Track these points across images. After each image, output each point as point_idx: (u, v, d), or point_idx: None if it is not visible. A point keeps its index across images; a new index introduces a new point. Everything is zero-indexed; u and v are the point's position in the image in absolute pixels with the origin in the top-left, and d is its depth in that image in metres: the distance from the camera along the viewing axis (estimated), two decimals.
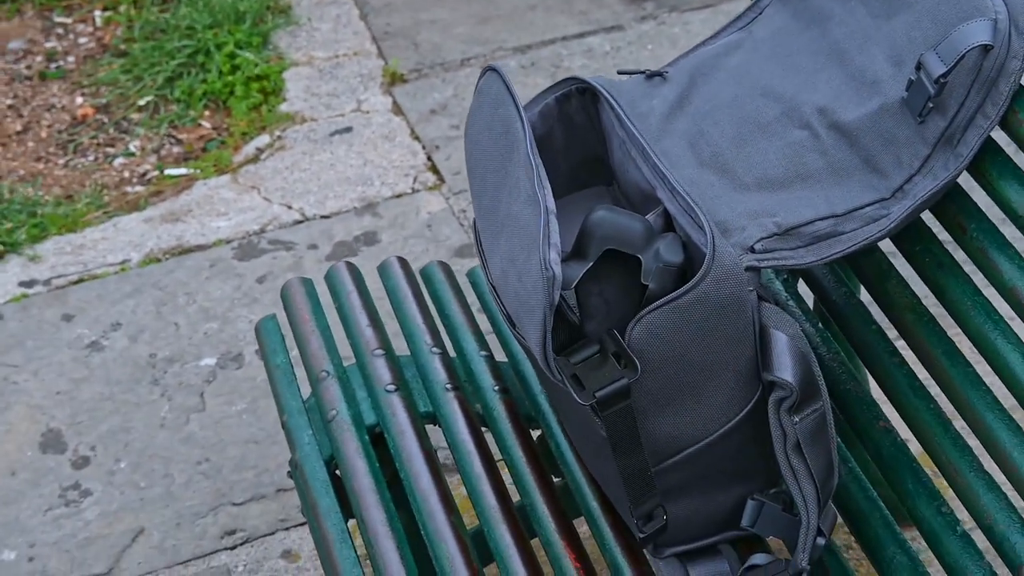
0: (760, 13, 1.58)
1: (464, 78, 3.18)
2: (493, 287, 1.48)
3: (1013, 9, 1.32)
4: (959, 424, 1.40)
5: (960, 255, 1.42)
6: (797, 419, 1.34)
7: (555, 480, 1.57)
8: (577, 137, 1.57)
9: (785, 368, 1.33)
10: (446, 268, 1.87)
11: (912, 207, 1.36)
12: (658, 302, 1.29)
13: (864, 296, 1.60)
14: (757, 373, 1.35)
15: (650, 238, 1.36)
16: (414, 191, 2.84)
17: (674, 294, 1.29)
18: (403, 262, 1.86)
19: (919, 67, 1.34)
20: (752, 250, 1.37)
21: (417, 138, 3.00)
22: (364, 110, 3.11)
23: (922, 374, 1.44)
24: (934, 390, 1.44)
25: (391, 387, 1.66)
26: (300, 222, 2.79)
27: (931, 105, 1.33)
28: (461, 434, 1.60)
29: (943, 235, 1.44)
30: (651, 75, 1.59)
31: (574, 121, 1.57)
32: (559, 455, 1.58)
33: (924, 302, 1.45)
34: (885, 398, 1.48)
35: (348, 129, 3.05)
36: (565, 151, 1.56)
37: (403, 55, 3.28)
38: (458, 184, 2.84)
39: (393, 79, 3.20)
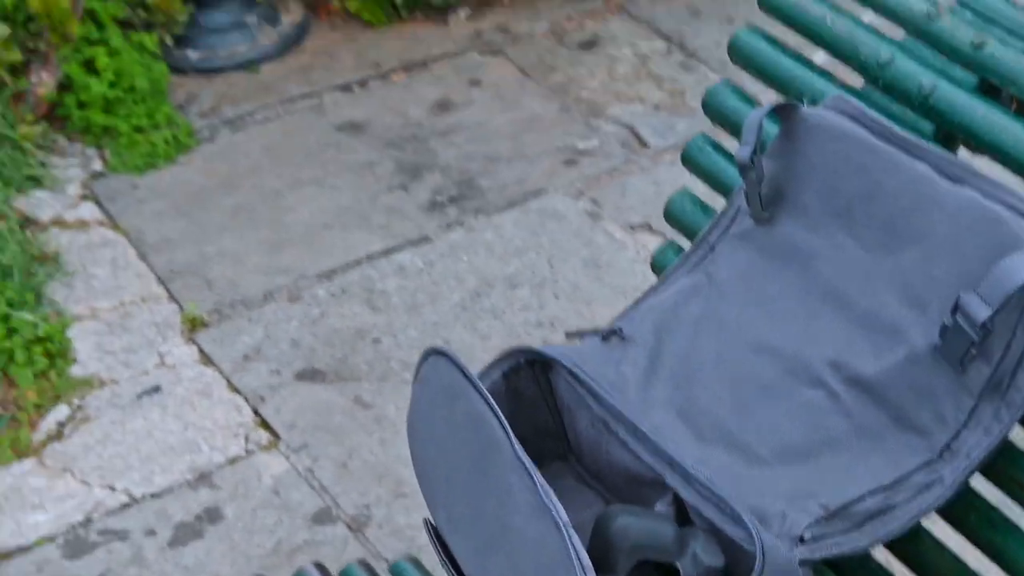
0: (712, 250, 1.43)
1: (272, 314, 2.93)
2: None
3: None
4: None
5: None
6: None
7: None
8: (525, 411, 1.40)
9: None
10: (369, 569, 1.64)
11: (967, 468, 1.21)
12: None
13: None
14: None
15: (683, 540, 1.19)
16: (248, 453, 2.57)
17: None
18: (321, 568, 1.62)
19: (955, 310, 1.20)
20: (801, 540, 1.20)
21: (236, 390, 2.73)
22: (169, 364, 2.83)
23: None
24: None
25: None
26: (128, 505, 2.49)
27: (974, 352, 1.20)
28: None
29: (989, 493, 1.29)
30: (606, 335, 1.42)
31: (523, 395, 1.40)
32: None
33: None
34: None
35: (156, 388, 2.76)
36: (511, 426, 1.38)
37: (197, 296, 3.01)
38: (296, 439, 2.59)
39: (193, 325, 2.93)
